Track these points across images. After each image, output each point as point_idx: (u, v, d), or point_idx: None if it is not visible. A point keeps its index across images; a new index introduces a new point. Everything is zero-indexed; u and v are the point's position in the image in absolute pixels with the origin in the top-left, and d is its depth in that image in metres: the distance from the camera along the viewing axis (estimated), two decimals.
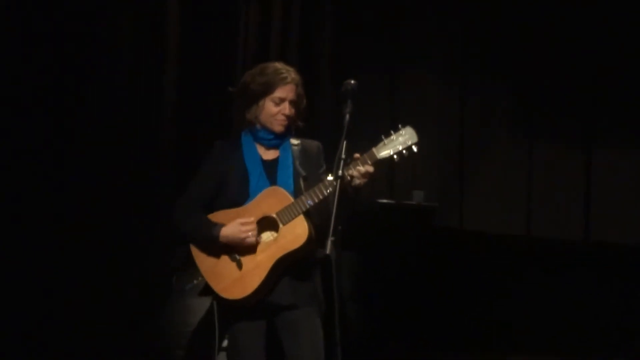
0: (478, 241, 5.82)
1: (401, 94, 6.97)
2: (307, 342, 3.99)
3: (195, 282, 4.02)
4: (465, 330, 5.54)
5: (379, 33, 6.96)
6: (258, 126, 4.10)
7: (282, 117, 4.05)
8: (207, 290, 4.01)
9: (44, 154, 5.95)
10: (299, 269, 3.99)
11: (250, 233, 3.90)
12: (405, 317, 5.41)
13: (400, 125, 3.90)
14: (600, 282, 5.73)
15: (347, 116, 3.79)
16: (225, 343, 4.12)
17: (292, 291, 3.99)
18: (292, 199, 3.93)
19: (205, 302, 4.04)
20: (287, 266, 3.95)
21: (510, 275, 5.63)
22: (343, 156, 3.75)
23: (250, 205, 3.98)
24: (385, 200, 5.83)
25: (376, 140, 3.90)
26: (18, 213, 5.81)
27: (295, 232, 3.89)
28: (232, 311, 4.00)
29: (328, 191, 3.85)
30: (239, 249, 3.95)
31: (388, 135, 3.88)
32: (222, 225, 3.94)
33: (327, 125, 6.20)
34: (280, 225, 3.92)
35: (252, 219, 3.92)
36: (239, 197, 4.02)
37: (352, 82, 3.85)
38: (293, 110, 4.07)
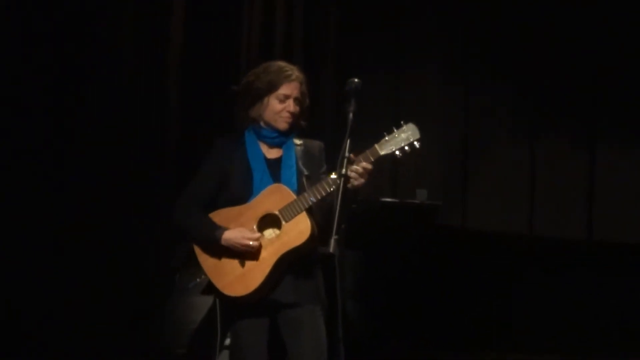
0: (480, 240, 5.82)
1: (404, 93, 6.98)
2: (309, 340, 3.98)
3: (198, 280, 4.03)
4: (466, 329, 5.53)
5: (381, 32, 6.98)
6: (262, 124, 4.09)
7: (287, 115, 4.05)
8: (210, 287, 4.00)
9: (44, 154, 5.95)
10: (301, 266, 3.98)
11: (251, 244, 3.89)
12: (407, 315, 5.40)
13: (402, 122, 3.90)
14: (602, 281, 5.72)
15: (351, 115, 3.78)
16: (227, 341, 4.12)
17: (295, 289, 3.97)
18: (295, 196, 3.93)
19: (207, 300, 4.04)
20: (290, 263, 3.94)
21: (512, 274, 5.63)
22: (347, 154, 3.74)
23: (253, 202, 3.98)
24: (388, 199, 5.83)
25: (379, 138, 3.89)
26: (18, 213, 5.80)
27: (298, 229, 3.89)
28: (234, 309, 3.99)
29: (331, 189, 3.84)
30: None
31: (390, 132, 3.88)
32: (225, 228, 3.94)
33: (330, 124, 6.20)
34: (283, 223, 3.92)
35: (257, 233, 3.91)
36: (242, 195, 4.00)
37: (356, 80, 3.86)
38: (297, 108, 4.07)
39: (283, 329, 4.02)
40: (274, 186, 3.98)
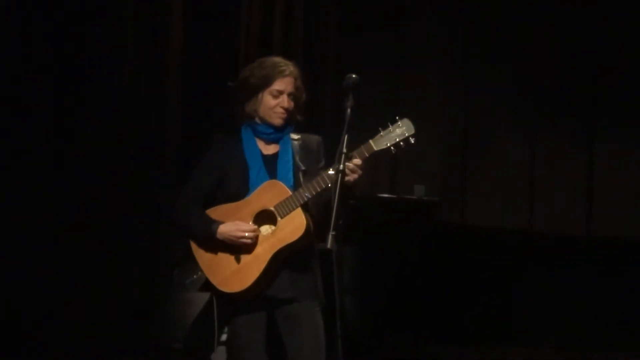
0: (479, 236, 5.82)
1: (404, 91, 6.99)
2: (307, 336, 3.97)
3: (195, 276, 4.03)
4: (465, 325, 5.53)
5: (381, 32, 6.99)
6: (257, 120, 4.10)
7: (281, 110, 4.04)
8: (207, 284, 3.99)
9: (44, 154, 5.95)
10: (299, 262, 3.98)
11: (247, 234, 3.89)
12: (405, 311, 5.40)
13: (397, 117, 3.89)
14: (602, 277, 5.72)
15: (349, 110, 3.79)
16: (224, 337, 4.11)
17: (293, 285, 3.97)
18: (290, 192, 3.92)
19: (204, 296, 4.04)
20: (286, 259, 3.94)
21: (511, 271, 5.63)
22: (344, 150, 3.74)
23: (249, 198, 3.98)
24: (386, 195, 5.83)
25: (375, 134, 3.89)
26: (18, 213, 5.80)
27: (293, 225, 3.89)
28: (232, 305, 3.99)
29: (326, 184, 3.84)
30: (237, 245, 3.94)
31: (385, 127, 3.87)
32: (220, 222, 3.95)
33: (330, 122, 6.20)
34: (279, 218, 3.91)
35: (252, 225, 3.91)
36: (239, 191, 4.01)
37: (354, 76, 3.85)
38: (292, 103, 4.07)
39: (281, 325, 4.02)
40: (269, 182, 3.98)
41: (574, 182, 6.98)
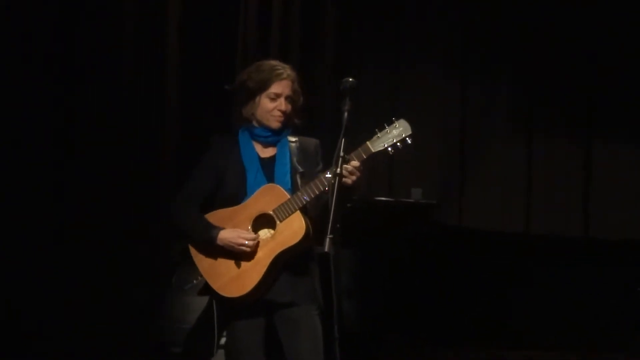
0: (477, 238, 5.82)
1: (402, 92, 6.98)
2: (306, 339, 3.97)
3: (194, 281, 4.01)
4: (464, 327, 5.54)
5: (379, 32, 6.98)
6: (255, 123, 4.09)
7: (278, 113, 4.04)
8: (207, 289, 3.99)
9: (43, 154, 5.95)
10: (298, 266, 3.98)
11: (247, 243, 3.89)
12: (404, 314, 5.41)
13: (394, 118, 3.88)
14: (600, 278, 5.73)
15: (346, 114, 3.78)
16: (223, 340, 4.11)
17: (291, 289, 3.97)
18: (288, 196, 3.92)
19: (204, 299, 4.03)
20: (286, 263, 3.94)
21: (509, 272, 5.64)
22: (342, 154, 3.74)
23: (247, 203, 3.98)
24: (383, 198, 5.83)
25: (372, 135, 3.88)
26: (18, 213, 5.81)
27: (293, 228, 3.88)
28: (231, 309, 3.99)
29: (325, 187, 3.83)
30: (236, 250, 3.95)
31: (382, 128, 3.87)
32: (221, 228, 3.94)
33: (329, 124, 6.20)
34: (278, 222, 3.91)
35: (252, 234, 3.91)
36: (236, 195, 4.00)
37: (351, 79, 3.85)
38: (289, 106, 4.06)
39: (280, 329, 4.02)
40: (267, 186, 3.98)
41: (571, 184, 6.98)
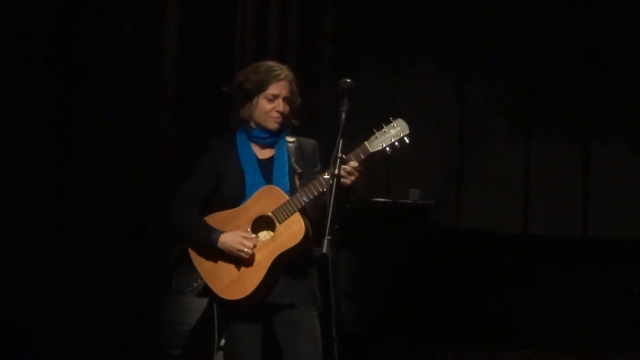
0: (475, 239, 5.83)
1: (400, 92, 6.99)
2: (305, 341, 3.96)
3: (195, 284, 4.01)
4: (463, 327, 5.54)
5: (377, 32, 6.99)
6: (253, 125, 4.07)
7: (276, 114, 4.03)
8: (207, 291, 3.99)
9: (43, 154, 5.96)
10: (297, 268, 3.97)
11: (248, 245, 3.89)
12: (403, 314, 5.41)
13: (391, 118, 3.88)
14: (598, 278, 5.74)
15: (343, 115, 3.78)
16: (222, 342, 4.11)
17: (291, 291, 3.96)
18: (287, 197, 3.91)
19: (203, 301, 4.03)
20: (286, 264, 3.93)
21: (508, 273, 5.64)
22: (340, 154, 3.73)
23: (246, 205, 3.97)
24: (381, 199, 5.83)
25: (370, 136, 3.89)
26: (18, 213, 5.81)
27: (292, 230, 3.88)
28: (231, 311, 3.98)
29: (323, 188, 3.83)
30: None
31: (380, 128, 3.87)
32: (221, 231, 3.93)
33: (327, 124, 6.20)
34: (277, 224, 3.90)
35: (253, 239, 3.91)
36: (235, 197, 3.99)
37: (349, 80, 3.84)
38: (287, 107, 4.05)
39: (279, 331, 4.01)
40: (266, 188, 3.97)
41: (570, 184, 6.99)
